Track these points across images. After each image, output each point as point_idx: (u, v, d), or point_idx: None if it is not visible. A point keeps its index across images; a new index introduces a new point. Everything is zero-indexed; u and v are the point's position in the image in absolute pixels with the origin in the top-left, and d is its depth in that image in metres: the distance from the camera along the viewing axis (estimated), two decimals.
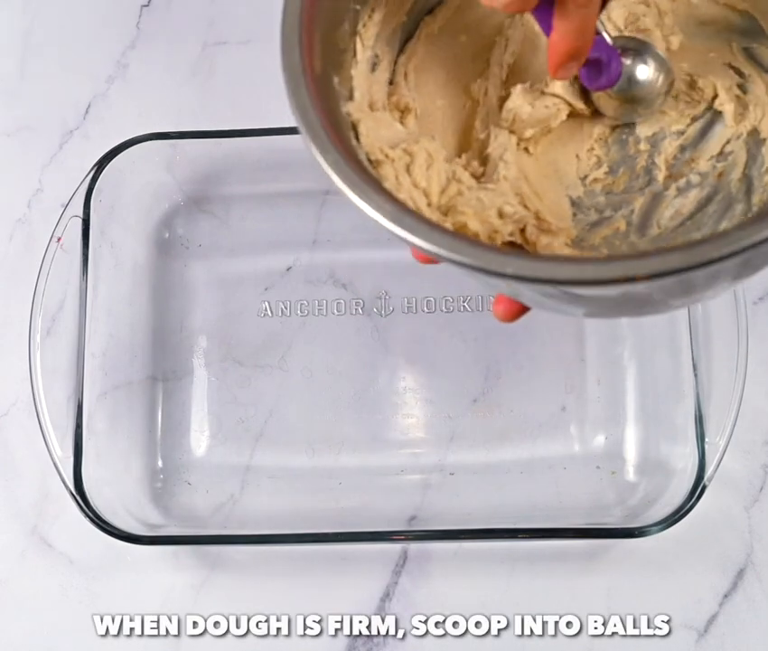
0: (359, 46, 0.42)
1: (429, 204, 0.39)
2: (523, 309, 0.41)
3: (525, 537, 0.56)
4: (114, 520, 0.55)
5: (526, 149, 0.43)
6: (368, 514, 0.58)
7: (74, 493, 0.55)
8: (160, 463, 0.61)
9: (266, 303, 0.63)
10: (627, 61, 0.41)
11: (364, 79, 0.42)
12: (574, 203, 0.43)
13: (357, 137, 0.40)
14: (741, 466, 0.59)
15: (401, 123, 0.43)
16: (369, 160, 0.39)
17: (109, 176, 0.60)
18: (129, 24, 0.69)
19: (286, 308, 0.63)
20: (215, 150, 0.62)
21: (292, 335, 0.63)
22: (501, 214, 0.39)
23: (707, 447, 0.54)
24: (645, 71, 0.41)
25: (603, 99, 0.42)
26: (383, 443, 0.61)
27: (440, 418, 0.61)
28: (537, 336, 0.62)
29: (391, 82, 0.44)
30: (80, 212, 0.59)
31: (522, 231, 0.40)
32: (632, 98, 0.42)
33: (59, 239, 0.59)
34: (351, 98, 0.41)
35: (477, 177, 0.42)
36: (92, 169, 0.59)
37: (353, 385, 0.62)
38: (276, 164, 0.62)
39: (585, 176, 0.43)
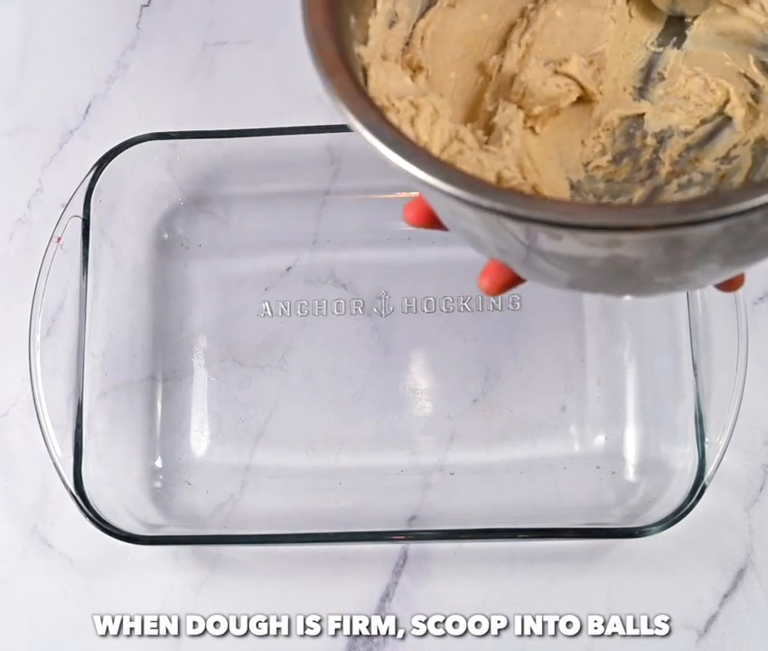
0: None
1: None
2: (509, 282, 0.40)
3: (525, 537, 0.56)
4: (114, 520, 0.55)
5: (532, 129, 0.43)
6: (368, 514, 0.58)
7: (74, 493, 0.55)
8: (160, 463, 0.61)
9: (266, 303, 0.63)
10: None
11: (380, 31, 0.41)
12: (573, 186, 0.43)
13: (365, 81, 0.39)
14: (741, 466, 0.59)
15: (411, 80, 0.42)
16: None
17: (109, 176, 0.60)
18: (129, 24, 0.69)
19: (286, 308, 0.63)
20: (215, 150, 0.62)
21: (292, 335, 0.63)
22: (499, 178, 0.38)
23: (707, 447, 0.54)
24: None
25: None
26: (383, 443, 0.61)
27: (440, 418, 0.61)
28: (537, 336, 0.62)
29: (407, 44, 0.43)
30: (80, 212, 0.59)
31: None
32: None
33: (59, 239, 0.59)
34: (364, 43, 0.40)
35: (480, 142, 0.41)
36: (92, 169, 0.59)
37: (353, 385, 0.62)
38: (276, 164, 0.62)
39: (588, 162, 0.43)
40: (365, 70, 0.39)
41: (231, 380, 0.62)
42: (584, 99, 0.43)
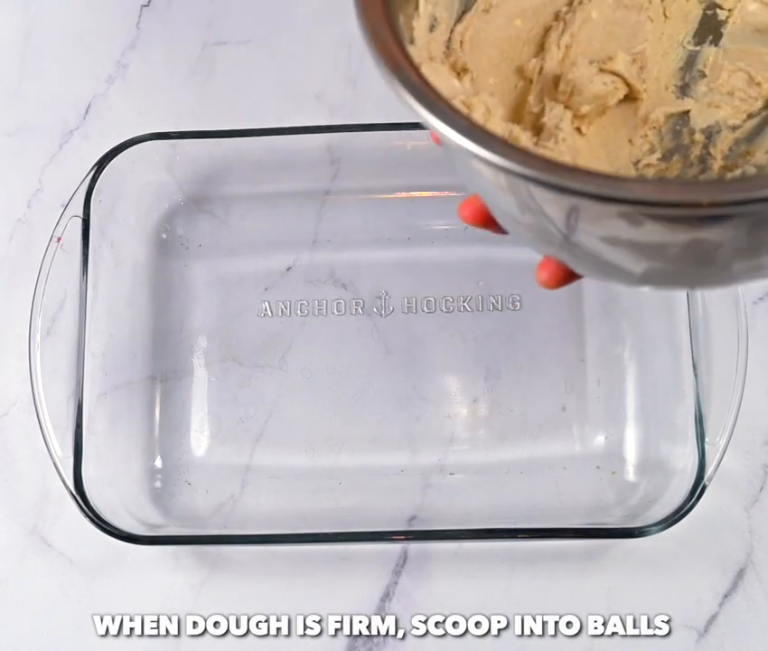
0: (421, 0, 0.41)
1: None
2: (569, 276, 0.40)
3: (525, 537, 0.56)
4: (114, 520, 0.55)
5: (578, 129, 0.43)
6: (368, 514, 0.58)
7: (74, 493, 0.55)
8: (160, 463, 0.61)
9: (266, 303, 0.63)
10: None
11: (423, 34, 0.41)
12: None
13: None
14: (741, 466, 0.59)
15: (458, 81, 0.42)
16: None
17: (109, 176, 0.60)
18: (129, 24, 0.69)
19: (286, 308, 0.63)
20: (215, 150, 0.62)
21: (292, 335, 0.63)
22: None
23: (707, 447, 0.54)
24: None
25: None
26: (383, 443, 0.61)
27: (440, 418, 0.61)
28: (537, 336, 0.62)
29: (446, 47, 0.43)
30: (80, 212, 0.59)
31: None
32: None
33: (59, 239, 0.58)
34: (411, 43, 0.40)
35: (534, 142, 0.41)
36: (92, 169, 0.59)
37: (353, 385, 0.62)
38: (276, 164, 0.62)
39: (638, 161, 0.43)
40: (417, 69, 0.38)
41: (231, 380, 0.62)
42: (628, 98, 0.43)
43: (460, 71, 0.43)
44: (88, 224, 0.59)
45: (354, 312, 0.63)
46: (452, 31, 0.44)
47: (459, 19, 0.44)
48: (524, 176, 0.30)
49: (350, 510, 0.59)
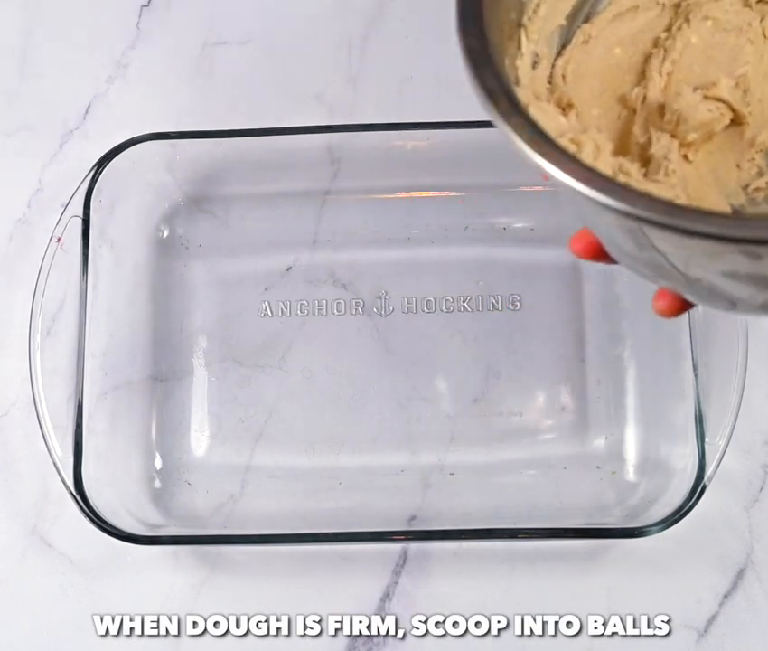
0: (523, 38, 0.42)
1: None
2: (685, 305, 0.40)
3: (525, 537, 0.56)
4: (114, 520, 0.55)
5: (685, 157, 0.43)
6: (368, 514, 0.58)
7: (74, 493, 0.55)
8: (160, 463, 0.61)
9: (266, 303, 0.63)
10: None
11: (527, 72, 0.42)
12: (736, 212, 0.43)
13: None
14: (741, 466, 0.59)
15: (564, 117, 0.43)
16: None
17: (109, 176, 0.60)
18: (129, 24, 0.69)
19: (286, 308, 0.63)
20: (215, 150, 0.62)
21: (292, 335, 0.63)
22: None
23: (707, 447, 0.54)
24: None
25: None
26: (383, 443, 0.61)
27: (440, 418, 0.61)
28: (537, 336, 0.62)
29: (549, 83, 0.44)
30: (80, 212, 0.59)
31: None
32: None
33: (59, 239, 0.58)
34: (517, 84, 0.41)
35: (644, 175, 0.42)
36: (92, 169, 0.59)
37: (353, 385, 0.62)
38: (276, 164, 0.62)
39: (747, 185, 0.43)
40: (527, 115, 0.39)
41: (231, 380, 0.62)
42: (734, 122, 0.43)
43: (565, 107, 0.43)
44: (89, 224, 0.59)
45: (354, 312, 0.63)
46: (553, 66, 0.44)
47: (559, 53, 0.45)
48: (646, 220, 0.31)
49: (350, 510, 0.59)
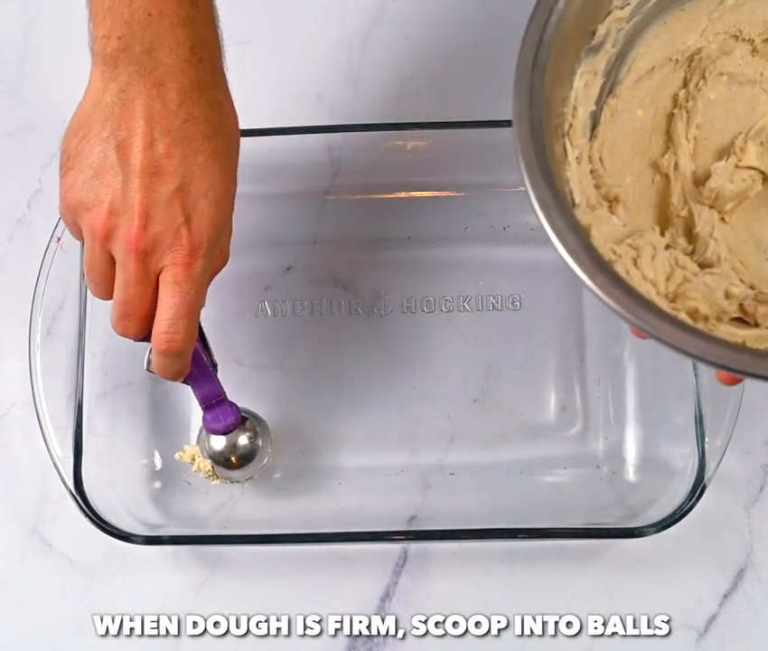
0: (568, 147, 0.44)
1: (658, 293, 0.42)
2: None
3: (525, 537, 0.56)
4: (114, 520, 0.55)
5: (722, 219, 0.45)
6: (368, 514, 0.58)
7: (74, 493, 0.55)
8: (160, 463, 0.61)
9: (266, 303, 0.63)
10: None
11: (576, 175, 0.44)
12: None
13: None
14: (741, 466, 0.59)
15: (612, 213, 0.45)
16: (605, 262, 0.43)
17: None
18: None
19: (286, 308, 0.63)
20: None
21: (292, 335, 0.63)
22: (727, 295, 0.42)
23: (706, 447, 0.54)
24: None
25: None
26: (383, 443, 0.61)
27: (440, 418, 0.61)
28: (537, 336, 0.62)
29: (592, 171, 0.46)
30: None
31: (741, 305, 0.43)
32: None
33: (59, 239, 0.58)
34: (574, 204, 0.43)
35: (688, 254, 0.45)
36: None
37: (353, 385, 0.62)
38: (276, 164, 0.62)
39: None
40: (587, 231, 0.42)
41: (231, 380, 0.62)
42: (765, 180, 0.46)
43: (612, 202, 0.45)
44: None
45: (354, 312, 0.63)
46: (590, 151, 0.46)
47: (593, 135, 0.46)
48: (709, 363, 0.38)
49: (350, 510, 0.59)
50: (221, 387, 0.55)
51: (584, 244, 0.39)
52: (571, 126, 0.45)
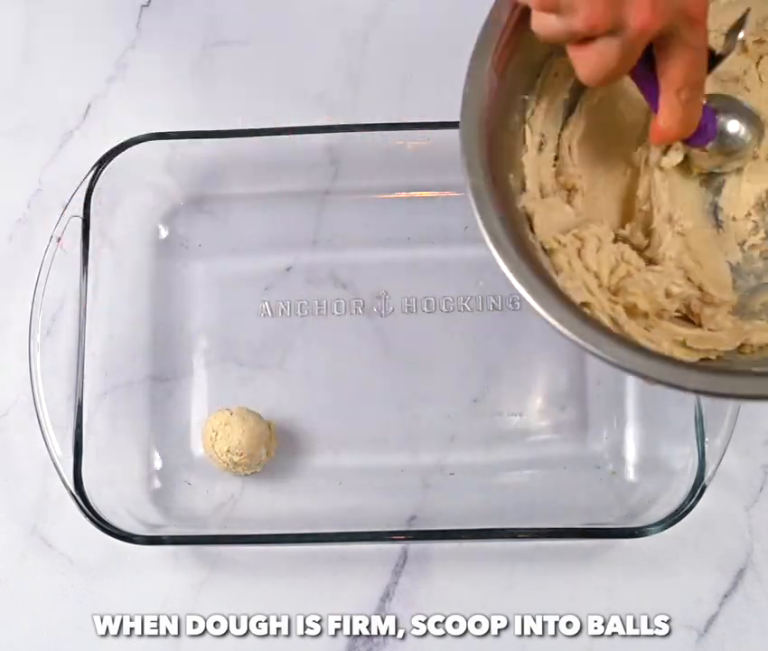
0: (527, 133, 0.45)
1: (600, 285, 0.43)
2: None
3: (525, 537, 0.56)
4: (114, 520, 0.55)
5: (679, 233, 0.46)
6: (368, 514, 0.58)
7: (74, 493, 0.55)
8: (160, 463, 0.61)
9: (266, 303, 0.63)
10: (720, 119, 0.44)
11: (533, 162, 0.45)
12: (733, 269, 0.45)
13: (532, 229, 0.43)
14: (741, 466, 0.59)
15: (569, 203, 0.45)
16: (544, 249, 0.43)
17: (109, 176, 0.60)
18: (129, 24, 0.68)
19: (286, 308, 0.63)
20: (215, 150, 0.62)
21: (292, 335, 0.63)
22: (668, 294, 0.43)
23: (706, 447, 0.54)
24: (735, 126, 0.44)
25: (697, 155, 0.45)
26: (383, 443, 0.61)
27: (440, 418, 0.61)
28: (537, 336, 0.62)
29: (556, 158, 0.46)
30: (80, 212, 0.59)
31: (687, 304, 0.43)
32: (725, 151, 0.45)
33: (59, 239, 0.58)
34: (523, 188, 0.44)
35: (641, 250, 0.45)
36: (92, 169, 0.59)
37: (353, 385, 0.62)
38: (276, 164, 0.62)
39: (744, 242, 0.46)
40: (530, 219, 0.43)
41: (231, 380, 0.62)
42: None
43: (570, 189, 0.46)
44: (89, 224, 0.59)
45: (354, 312, 0.63)
46: (559, 138, 0.46)
47: (564, 125, 0.47)
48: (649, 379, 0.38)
49: (350, 510, 0.59)
50: None
51: (508, 232, 0.40)
52: (533, 113, 0.45)
